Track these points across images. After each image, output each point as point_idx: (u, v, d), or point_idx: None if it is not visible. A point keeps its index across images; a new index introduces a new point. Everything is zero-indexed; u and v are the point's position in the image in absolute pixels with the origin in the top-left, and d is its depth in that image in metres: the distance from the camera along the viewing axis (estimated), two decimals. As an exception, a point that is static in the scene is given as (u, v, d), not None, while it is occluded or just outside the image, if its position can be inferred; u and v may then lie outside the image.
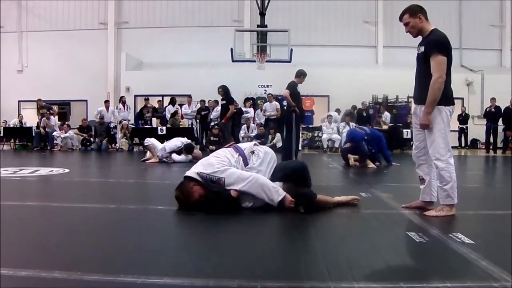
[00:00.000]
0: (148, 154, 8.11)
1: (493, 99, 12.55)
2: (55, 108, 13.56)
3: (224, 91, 9.64)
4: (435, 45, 2.95)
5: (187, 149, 7.77)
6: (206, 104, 12.74)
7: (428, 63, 2.97)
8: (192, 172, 3.19)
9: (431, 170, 3.15)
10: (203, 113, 12.59)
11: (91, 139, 12.17)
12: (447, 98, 2.99)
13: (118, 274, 1.74)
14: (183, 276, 1.73)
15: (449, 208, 2.98)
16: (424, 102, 3.00)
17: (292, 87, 7.20)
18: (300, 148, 10.56)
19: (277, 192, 3.06)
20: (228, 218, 2.97)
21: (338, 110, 13.57)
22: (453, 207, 3.00)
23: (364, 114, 12.86)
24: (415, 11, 3.07)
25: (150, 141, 8.12)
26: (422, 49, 3.03)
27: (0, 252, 2.00)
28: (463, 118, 13.81)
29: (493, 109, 12.51)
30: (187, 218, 3.03)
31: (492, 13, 15.85)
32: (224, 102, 9.76)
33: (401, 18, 3.12)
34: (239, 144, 3.60)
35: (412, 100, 3.63)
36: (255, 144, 3.55)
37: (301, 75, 7.34)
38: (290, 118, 7.20)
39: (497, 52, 16.03)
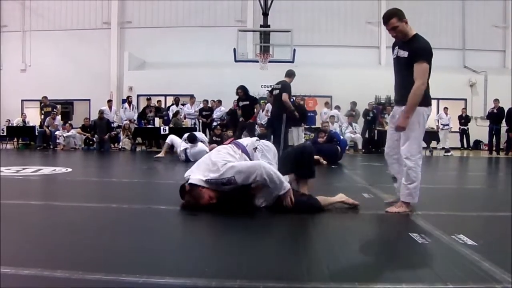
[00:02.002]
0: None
1: (496, 100, 12.52)
2: (59, 107, 13.60)
3: (243, 91, 9.37)
4: (422, 53, 3.02)
5: (190, 139, 8.01)
6: (209, 105, 12.76)
7: (411, 67, 3.03)
8: (197, 179, 3.04)
9: (401, 169, 3.23)
10: (204, 113, 12.60)
11: (94, 138, 12.20)
12: (426, 99, 3.08)
13: (120, 273, 1.74)
14: (185, 276, 1.74)
15: (407, 205, 3.12)
16: (403, 104, 3.08)
17: (289, 88, 7.35)
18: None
19: (282, 183, 2.99)
20: (230, 218, 2.97)
21: (338, 107, 13.55)
22: (410, 205, 3.13)
23: (371, 115, 12.85)
24: (402, 16, 3.09)
25: (171, 138, 8.51)
26: (406, 54, 3.06)
27: (1, 251, 2.01)
28: (465, 120, 13.77)
29: (495, 110, 12.48)
30: (189, 218, 3.03)
31: (495, 14, 15.79)
32: (247, 102, 9.53)
33: (387, 22, 3.08)
34: (239, 140, 3.48)
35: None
36: (256, 140, 3.45)
37: (292, 75, 7.57)
38: (281, 120, 7.33)
39: (501, 53, 15.96)
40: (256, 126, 12.53)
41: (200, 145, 7.97)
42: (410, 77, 3.04)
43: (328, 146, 7.88)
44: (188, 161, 7.50)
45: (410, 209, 3.13)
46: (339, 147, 7.98)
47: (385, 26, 3.13)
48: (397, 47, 3.18)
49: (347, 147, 8.63)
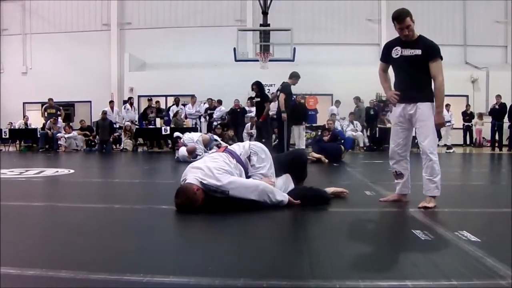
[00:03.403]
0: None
1: (498, 96, 12.47)
2: (62, 109, 13.62)
3: (258, 88, 8.98)
4: (436, 51, 3.17)
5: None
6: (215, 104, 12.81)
7: (424, 65, 3.16)
8: (193, 178, 3.04)
9: (408, 165, 3.36)
10: (210, 111, 12.64)
11: (95, 140, 12.22)
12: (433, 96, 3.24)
13: (124, 273, 1.75)
14: (188, 275, 1.74)
15: (434, 200, 3.17)
16: (418, 101, 3.18)
17: (288, 89, 7.41)
18: (304, 147, 10.58)
19: (281, 195, 3.14)
20: (232, 217, 2.97)
21: (337, 102, 13.51)
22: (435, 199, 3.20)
23: (372, 112, 12.83)
24: (411, 15, 3.18)
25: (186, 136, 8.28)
26: (419, 52, 3.16)
27: (0, 251, 2.01)
28: (469, 116, 13.71)
29: (497, 106, 12.43)
30: (191, 217, 3.03)
31: (496, 9, 15.72)
32: (259, 99, 9.18)
33: (403, 21, 3.14)
34: (232, 148, 3.43)
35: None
36: (249, 146, 3.44)
37: (293, 76, 7.64)
38: (280, 120, 7.43)
39: (502, 49, 15.90)
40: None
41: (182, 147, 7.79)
42: (423, 74, 3.17)
43: (331, 145, 7.88)
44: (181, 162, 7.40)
45: (435, 204, 3.17)
46: (342, 146, 7.99)
47: (399, 24, 3.16)
48: (398, 47, 3.25)
49: (352, 146, 8.63)
